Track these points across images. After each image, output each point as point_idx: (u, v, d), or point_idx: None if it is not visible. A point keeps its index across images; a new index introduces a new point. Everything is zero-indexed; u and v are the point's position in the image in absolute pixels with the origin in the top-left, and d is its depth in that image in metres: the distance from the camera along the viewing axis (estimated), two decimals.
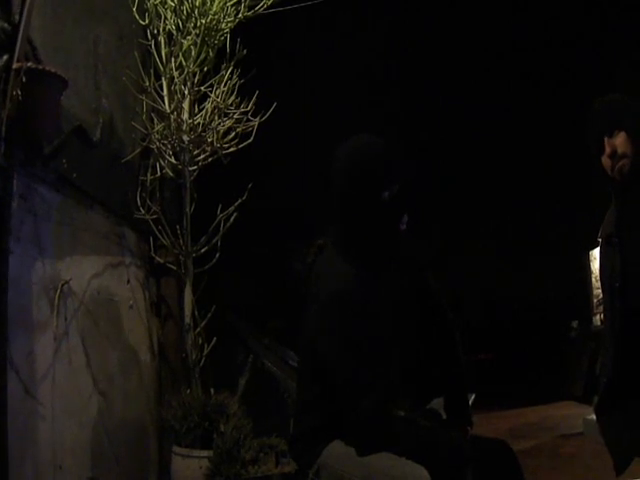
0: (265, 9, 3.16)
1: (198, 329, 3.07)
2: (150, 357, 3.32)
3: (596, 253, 4.72)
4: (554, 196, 7.24)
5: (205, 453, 2.74)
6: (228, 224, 3.09)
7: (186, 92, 3.06)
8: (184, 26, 3.03)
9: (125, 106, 3.08)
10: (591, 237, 2.41)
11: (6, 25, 1.95)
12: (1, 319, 1.84)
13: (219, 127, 3.07)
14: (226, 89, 3.09)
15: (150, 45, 3.06)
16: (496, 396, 5.75)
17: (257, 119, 3.11)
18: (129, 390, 3.00)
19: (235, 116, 3.10)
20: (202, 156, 3.09)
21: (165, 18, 3.03)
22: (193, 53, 3.03)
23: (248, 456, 2.68)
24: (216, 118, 3.07)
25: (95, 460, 2.50)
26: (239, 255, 3.62)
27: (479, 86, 6.36)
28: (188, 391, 2.98)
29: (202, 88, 3.12)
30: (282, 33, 4.20)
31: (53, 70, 1.97)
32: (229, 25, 3.10)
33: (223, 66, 3.12)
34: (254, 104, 3.12)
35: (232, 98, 3.10)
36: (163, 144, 3.06)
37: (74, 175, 2.40)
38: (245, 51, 3.14)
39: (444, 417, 1.88)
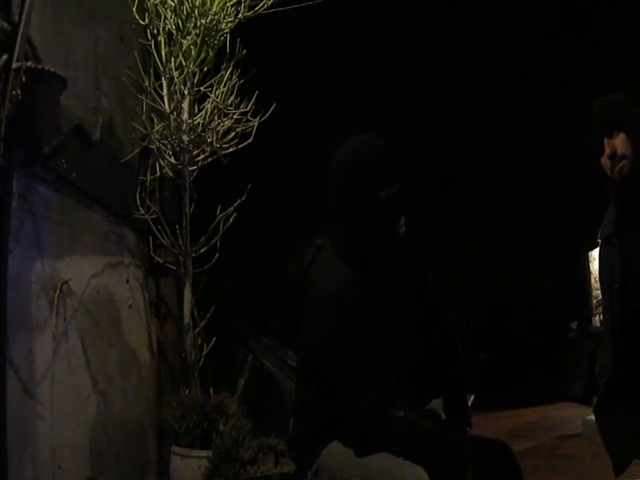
0: (265, 9, 3.16)
1: (197, 329, 3.07)
2: (149, 357, 3.32)
3: (595, 254, 4.72)
4: (554, 196, 7.23)
5: (204, 453, 2.74)
6: (228, 224, 3.09)
7: (186, 92, 3.06)
8: (184, 26, 3.03)
9: (125, 106, 3.08)
10: (591, 237, 2.41)
11: (6, 25, 1.95)
12: (0, 319, 1.84)
13: (219, 127, 3.07)
14: (226, 89, 3.09)
15: (150, 45, 3.06)
16: (495, 396, 5.75)
17: (257, 119, 3.11)
18: (128, 390, 3.00)
19: (235, 116, 3.10)
20: (202, 156, 3.09)
21: (165, 18, 3.03)
22: (193, 53, 3.02)
23: (247, 456, 2.68)
24: (216, 118, 3.07)
25: (94, 460, 2.50)
26: (239, 255, 3.62)
27: (479, 86, 6.36)
28: (187, 391, 2.98)
29: (202, 88, 3.12)
30: (282, 33, 4.21)
31: (53, 70, 1.97)
32: (229, 25, 3.10)
33: (223, 66, 3.12)
34: (254, 104, 3.12)
35: (232, 98, 3.10)
36: (163, 144, 3.06)
37: (74, 175, 2.40)
38: (245, 51, 3.14)
39: (443, 417, 1.88)
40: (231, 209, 3.10)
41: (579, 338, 7.18)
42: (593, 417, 2.25)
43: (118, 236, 3.02)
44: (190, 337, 3.03)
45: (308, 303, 1.88)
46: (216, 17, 3.04)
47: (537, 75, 6.47)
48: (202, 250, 3.09)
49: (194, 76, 3.08)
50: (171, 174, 3.15)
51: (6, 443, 1.81)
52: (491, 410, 5.90)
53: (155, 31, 3.05)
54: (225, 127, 3.09)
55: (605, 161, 2.13)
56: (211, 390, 3.03)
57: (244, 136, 3.12)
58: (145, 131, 3.06)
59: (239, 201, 3.10)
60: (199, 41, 3.02)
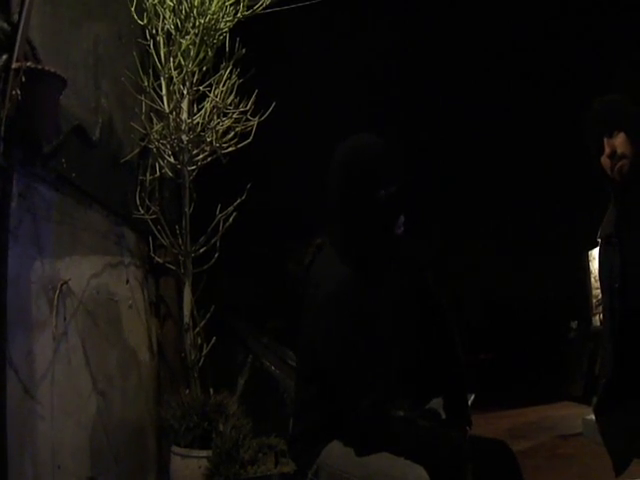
0: (264, 9, 3.16)
1: (197, 329, 3.07)
2: (149, 357, 3.32)
3: (595, 253, 4.72)
4: (554, 196, 7.23)
5: (204, 453, 2.74)
6: (227, 224, 3.09)
7: (185, 92, 3.06)
8: (183, 26, 3.03)
9: (124, 106, 3.08)
10: (591, 237, 2.41)
11: (5, 25, 1.95)
12: (0, 319, 1.84)
13: (218, 127, 3.07)
14: (225, 89, 3.09)
15: (149, 45, 3.06)
16: (495, 396, 5.74)
17: (256, 119, 3.11)
18: (128, 390, 3.00)
19: (234, 116, 3.10)
20: (201, 156, 3.09)
21: (164, 18, 3.03)
22: (192, 53, 3.02)
23: (247, 456, 2.68)
24: (215, 118, 3.07)
25: (94, 460, 2.49)
26: (238, 255, 3.62)
27: (479, 86, 6.36)
28: (187, 391, 2.98)
29: (201, 88, 3.12)
30: (281, 32, 4.20)
31: (52, 70, 1.97)
32: (228, 25, 3.10)
33: (222, 66, 3.12)
34: (253, 103, 3.12)
35: (231, 98, 3.10)
36: (162, 144, 3.06)
37: (73, 174, 2.40)
38: (244, 50, 3.15)
39: (443, 417, 1.88)
40: (231, 209, 3.10)
41: (579, 338, 7.18)
42: (593, 417, 2.25)
43: (118, 236, 3.02)
44: (190, 337, 3.03)
45: (308, 303, 1.88)
46: (215, 16, 3.04)
47: (537, 75, 6.46)
48: (202, 250, 3.09)
49: (193, 76, 3.08)
50: (170, 174, 3.15)
51: (6, 443, 1.81)
52: (491, 410, 5.90)
53: (154, 31, 3.05)
54: (224, 127, 3.09)
55: (605, 161, 2.13)
56: (211, 390, 3.03)
57: (243, 135, 3.12)
58: (144, 131, 3.06)
59: (239, 201, 3.10)
60: (198, 41, 3.02)
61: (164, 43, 3.05)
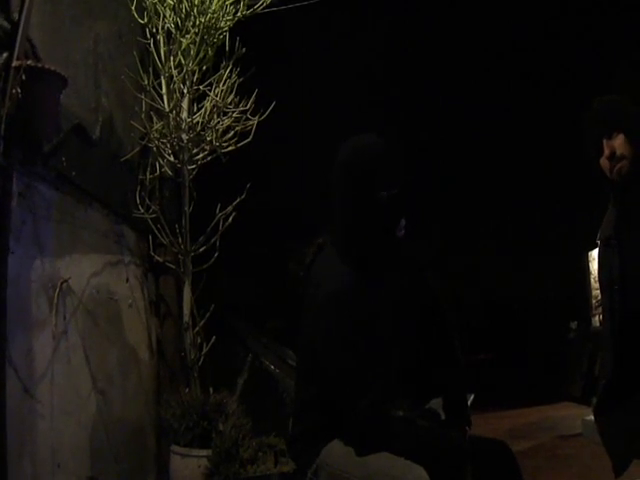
0: (264, 8, 3.16)
1: (197, 328, 3.07)
2: (149, 356, 3.32)
3: (595, 254, 4.72)
4: (554, 196, 7.22)
5: (204, 452, 2.74)
6: (227, 223, 3.09)
7: (185, 91, 3.06)
8: (183, 25, 3.03)
9: (124, 105, 3.08)
10: (590, 238, 2.41)
11: (5, 23, 1.95)
12: (0, 317, 1.84)
13: (218, 126, 3.07)
14: (225, 88, 3.09)
15: (149, 43, 3.06)
16: (495, 396, 5.74)
17: (256, 118, 3.11)
18: (128, 389, 3.00)
19: (234, 115, 3.10)
20: (201, 155, 3.09)
21: (164, 16, 3.03)
22: (192, 52, 3.02)
23: (247, 455, 2.68)
24: (215, 117, 3.07)
25: (94, 459, 2.49)
26: (238, 254, 3.62)
27: (479, 86, 6.35)
28: (187, 390, 2.98)
29: (201, 87, 3.12)
30: (281, 32, 4.20)
31: (52, 68, 1.97)
32: (228, 24, 3.10)
33: (222, 65, 3.12)
34: (253, 103, 3.12)
35: (231, 97, 3.10)
36: (162, 143, 3.06)
37: (73, 173, 2.40)
38: (244, 50, 3.14)
39: (443, 417, 1.88)
40: (230, 208, 3.10)
41: (579, 338, 7.17)
42: (593, 417, 2.25)
43: (118, 235, 3.02)
44: (190, 336, 3.02)
45: (308, 303, 1.88)
46: (215, 15, 3.04)
47: (537, 75, 6.46)
48: (201, 249, 3.09)
49: (193, 75, 3.08)
50: (170, 173, 3.15)
51: (6, 442, 1.81)
52: (491, 410, 5.90)
53: (154, 30, 3.05)
54: (224, 126, 3.09)
55: (604, 162, 2.12)
56: (210, 389, 3.03)
57: (243, 135, 3.12)
58: (144, 130, 3.06)
59: (238, 200, 3.10)
60: (198, 40, 3.02)
61: (164, 42, 3.05)
